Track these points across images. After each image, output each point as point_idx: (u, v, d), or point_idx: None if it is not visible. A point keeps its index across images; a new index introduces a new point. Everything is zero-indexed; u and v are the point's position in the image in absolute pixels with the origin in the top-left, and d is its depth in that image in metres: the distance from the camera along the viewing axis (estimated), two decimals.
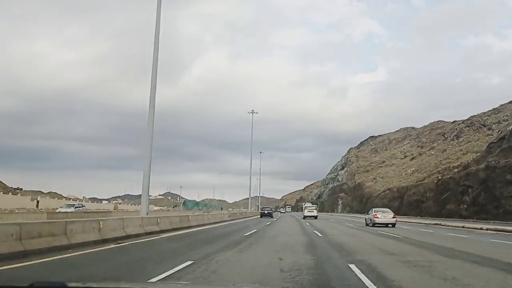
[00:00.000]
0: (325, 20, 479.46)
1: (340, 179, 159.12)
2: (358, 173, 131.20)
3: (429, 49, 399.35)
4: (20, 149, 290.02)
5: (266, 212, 57.15)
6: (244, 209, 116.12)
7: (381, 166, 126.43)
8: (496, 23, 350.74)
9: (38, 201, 66.46)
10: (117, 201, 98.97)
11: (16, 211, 42.21)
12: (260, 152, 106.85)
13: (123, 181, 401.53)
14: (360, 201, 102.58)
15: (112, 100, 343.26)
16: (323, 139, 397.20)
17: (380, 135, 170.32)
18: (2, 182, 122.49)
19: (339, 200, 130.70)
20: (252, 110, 67.30)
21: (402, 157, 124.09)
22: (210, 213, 38.91)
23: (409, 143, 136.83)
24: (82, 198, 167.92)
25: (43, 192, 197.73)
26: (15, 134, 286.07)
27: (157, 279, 7.00)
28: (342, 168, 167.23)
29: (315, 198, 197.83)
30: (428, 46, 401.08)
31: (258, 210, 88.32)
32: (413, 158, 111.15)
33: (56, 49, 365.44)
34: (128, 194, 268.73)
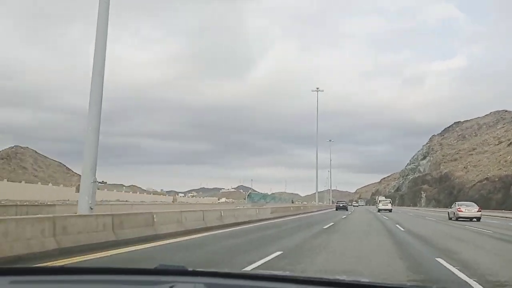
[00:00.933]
0: (397, 7, 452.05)
1: (422, 170, 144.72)
2: (444, 162, 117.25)
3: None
4: (104, 146, 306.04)
5: (341, 205, 59.47)
6: (319, 203, 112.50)
7: (472, 154, 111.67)
8: None
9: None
10: (176, 194, 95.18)
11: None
12: (329, 140, 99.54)
13: (198, 175, 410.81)
14: (449, 194, 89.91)
15: (186, 96, 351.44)
16: (398, 130, 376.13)
17: (467, 121, 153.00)
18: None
19: (422, 193, 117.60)
20: (317, 88, 58.91)
21: (496, 143, 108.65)
22: (279, 206, 37.83)
23: (503, 127, 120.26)
24: (160, 191, 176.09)
25: (124, 185, 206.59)
26: (101, 132, 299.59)
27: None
28: (424, 158, 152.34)
29: (393, 191, 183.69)
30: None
31: (329, 203, 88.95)
32: (510, 143, 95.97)
33: (132, 49, 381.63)
34: (203, 188, 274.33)
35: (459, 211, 30.93)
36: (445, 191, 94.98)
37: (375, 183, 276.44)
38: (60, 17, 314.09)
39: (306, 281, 1.60)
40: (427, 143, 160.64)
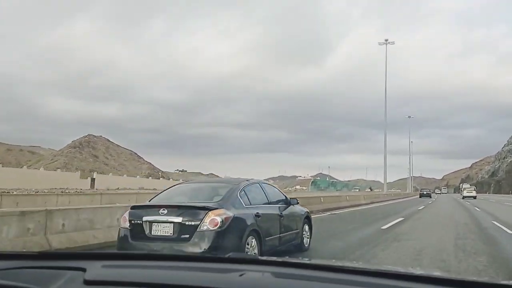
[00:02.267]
0: None
1: None
2: None
3: None
4: (187, 136, 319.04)
5: (425, 193, 63.51)
6: (398, 190, 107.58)
7: None
8: None
9: None
10: None
11: None
12: (409, 117, 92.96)
13: (278, 163, 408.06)
14: None
15: (263, 85, 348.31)
16: (492, 113, 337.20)
17: None
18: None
19: None
20: (386, 40, 44.46)
21: None
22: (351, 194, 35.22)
23: None
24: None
25: (202, 174, 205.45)
26: (183, 123, 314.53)
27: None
28: None
29: (486, 177, 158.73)
30: None
31: (411, 190, 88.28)
32: None
33: (212, 40, 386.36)
34: (282, 176, 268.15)
35: None
36: None
37: (465, 168, 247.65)
38: (142, 13, 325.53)
39: (377, 273, 1.57)
40: None
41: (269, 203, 7.16)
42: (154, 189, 44.59)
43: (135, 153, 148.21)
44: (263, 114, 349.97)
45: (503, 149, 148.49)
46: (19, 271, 1.61)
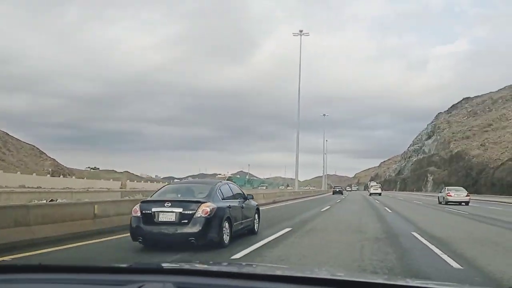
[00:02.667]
0: None
1: (427, 150, 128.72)
2: (455, 141, 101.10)
3: None
4: (102, 132, 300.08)
5: (337, 190, 67.28)
6: (313, 187, 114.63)
7: (487, 130, 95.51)
8: None
9: None
10: (125, 179, 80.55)
11: None
12: (324, 115, 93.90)
13: (198, 161, 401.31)
14: (464, 176, 73.84)
15: (186, 81, 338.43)
16: (401, 115, 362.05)
17: (477, 96, 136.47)
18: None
19: (428, 175, 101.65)
20: (300, 31, 42.95)
21: None
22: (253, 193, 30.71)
23: None
24: (154, 176, 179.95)
25: (116, 171, 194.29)
26: (98, 118, 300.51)
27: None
28: (429, 137, 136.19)
29: (394, 175, 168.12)
30: None
31: (323, 188, 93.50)
32: None
33: (132, 32, 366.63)
34: (202, 173, 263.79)
35: (448, 195, 32.13)
36: (459, 173, 78.86)
37: (374, 167, 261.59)
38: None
39: (289, 278, 1.56)
40: (432, 122, 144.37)
41: (234, 198, 9.54)
42: (52, 188, 38.70)
43: (37, 148, 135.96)
44: (186, 110, 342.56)
45: (409, 149, 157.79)
46: None
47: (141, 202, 8.40)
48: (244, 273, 1.66)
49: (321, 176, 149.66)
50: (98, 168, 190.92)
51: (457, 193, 32.36)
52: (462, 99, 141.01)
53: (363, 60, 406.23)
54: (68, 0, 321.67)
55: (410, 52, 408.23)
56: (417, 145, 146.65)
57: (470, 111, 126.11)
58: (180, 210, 7.81)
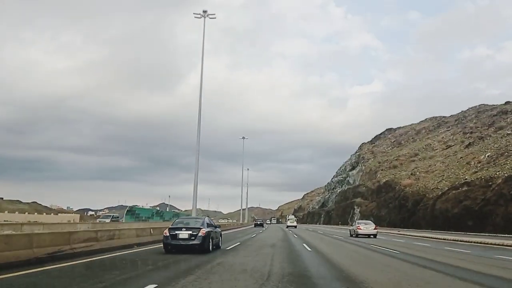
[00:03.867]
0: (323, 32, 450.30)
1: (351, 181, 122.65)
2: (382, 170, 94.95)
3: (426, 60, 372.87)
4: (10, 160, 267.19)
5: (258, 222, 74.51)
6: (234, 220, 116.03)
7: (414, 160, 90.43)
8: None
9: None
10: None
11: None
12: (243, 138, 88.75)
13: (118, 193, 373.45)
14: (398, 207, 65.76)
15: (106, 109, 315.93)
16: (322, 149, 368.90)
17: (400, 127, 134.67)
18: None
19: (355, 207, 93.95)
20: (204, 11, 32.19)
21: (444, 147, 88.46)
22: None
23: (448, 130, 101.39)
24: (66, 208, 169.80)
25: (21, 201, 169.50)
26: (6, 143, 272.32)
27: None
28: (353, 168, 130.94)
29: (317, 207, 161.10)
30: (424, 57, 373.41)
31: (245, 220, 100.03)
32: (468, 145, 75.19)
33: (49, 56, 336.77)
34: (122, 205, 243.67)
35: (358, 228, 33.73)
36: (389, 204, 71.07)
37: (297, 200, 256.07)
38: None
39: None
40: (356, 152, 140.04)
41: (212, 226, 17.91)
42: None
43: None
44: (105, 139, 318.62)
45: (332, 180, 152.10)
46: None
47: (169, 228, 16.37)
48: None
49: (244, 209, 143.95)
50: (2, 198, 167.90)
51: (366, 226, 34.02)
52: (385, 130, 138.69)
53: (288, 96, 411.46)
54: None
55: (331, 90, 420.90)
56: (341, 176, 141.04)
57: (394, 141, 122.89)
58: (190, 232, 16.08)
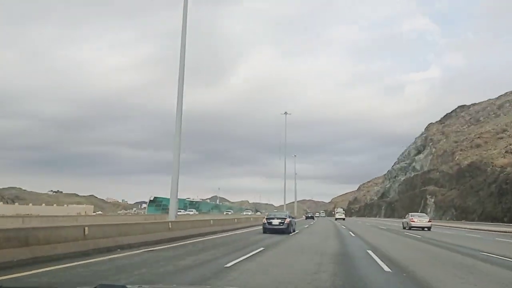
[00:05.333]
0: (376, 17, 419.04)
1: (419, 167, 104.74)
2: (461, 151, 77.12)
3: (488, 41, 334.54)
4: (68, 155, 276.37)
5: (309, 215, 79.70)
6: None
7: (502, 137, 72.14)
8: None
9: None
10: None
11: None
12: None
13: (170, 186, 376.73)
14: (494, 196, 48.63)
15: (159, 104, 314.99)
16: (376, 139, 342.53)
17: (474, 104, 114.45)
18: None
19: (427, 197, 76.71)
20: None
21: None
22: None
23: None
24: (121, 201, 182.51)
25: (78, 195, 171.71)
26: (66, 140, 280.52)
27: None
28: (419, 152, 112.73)
29: (376, 198, 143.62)
30: (487, 38, 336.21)
31: (296, 213, 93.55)
32: None
33: (105, 53, 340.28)
34: (187, 199, 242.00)
35: (411, 221, 34.00)
36: (480, 192, 53.80)
37: (352, 191, 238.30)
38: (25, 18, 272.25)
39: None
40: (422, 134, 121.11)
41: (291, 218, 26.15)
42: None
43: None
44: (158, 133, 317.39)
45: (394, 167, 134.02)
46: None
47: (266, 218, 25.44)
48: None
49: (294, 202, 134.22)
50: (61, 192, 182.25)
51: (420, 219, 34.58)
52: (457, 108, 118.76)
53: (339, 85, 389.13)
54: (37, 20, 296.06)
55: (385, 77, 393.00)
56: (404, 162, 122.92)
57: (470, 119, 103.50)
58: (280, 220, 24.16)
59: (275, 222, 23.83)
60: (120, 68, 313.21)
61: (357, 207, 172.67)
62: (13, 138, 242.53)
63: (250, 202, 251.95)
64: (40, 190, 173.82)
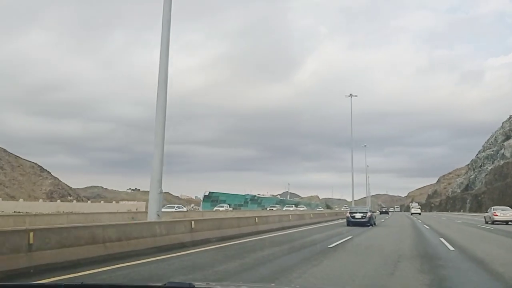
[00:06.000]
0: (450, 0, 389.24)
1: (509, 154, 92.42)
2: None
3: None
4: (146, 155, 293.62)
5: (384, 210, 77.95)
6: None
7: None
8: None
9: None
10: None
11: None
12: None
13: (242, 182, 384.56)
14: None
15: (228, 102, 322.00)
16: (455, 129, 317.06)
17: None
18: None
19: None
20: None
21: None
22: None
23: None
24: (194, 197, 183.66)
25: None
26: (144, 141, 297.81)
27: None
28: (508, 138, 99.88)
29: (459, 191, 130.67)
30: None
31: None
32: None
33: (174, 55, 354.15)
34: (248, 194, 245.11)
35: (494, 215, 32.09)
36: None
37: (431, 184, 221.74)
38: (101, 25, 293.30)
39: None
40: (510, 118, 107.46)
41: (371, 212, 30.31)
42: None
43: (39, 166, 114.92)
44: (228, 131, 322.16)
45: (478, 156, 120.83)
46: None
47: (349, 212, 28.69)
48: None
49: (370, 196, 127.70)
50: (139, 189, 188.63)
51: (504, 213, 32.55)
52: None
53: (412, 74, 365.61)
54: (108, 26, 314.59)
55: (462, 64, 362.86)
56: (491, 149, 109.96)
57: None
58: (362, 214, 27.38)
59: (358, 216, 27.25)
60: (190, 69, 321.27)
61: (438, 201, 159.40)
62: (96, 141, 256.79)
63: (320, 197, 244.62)
64: (119, 188, 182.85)
